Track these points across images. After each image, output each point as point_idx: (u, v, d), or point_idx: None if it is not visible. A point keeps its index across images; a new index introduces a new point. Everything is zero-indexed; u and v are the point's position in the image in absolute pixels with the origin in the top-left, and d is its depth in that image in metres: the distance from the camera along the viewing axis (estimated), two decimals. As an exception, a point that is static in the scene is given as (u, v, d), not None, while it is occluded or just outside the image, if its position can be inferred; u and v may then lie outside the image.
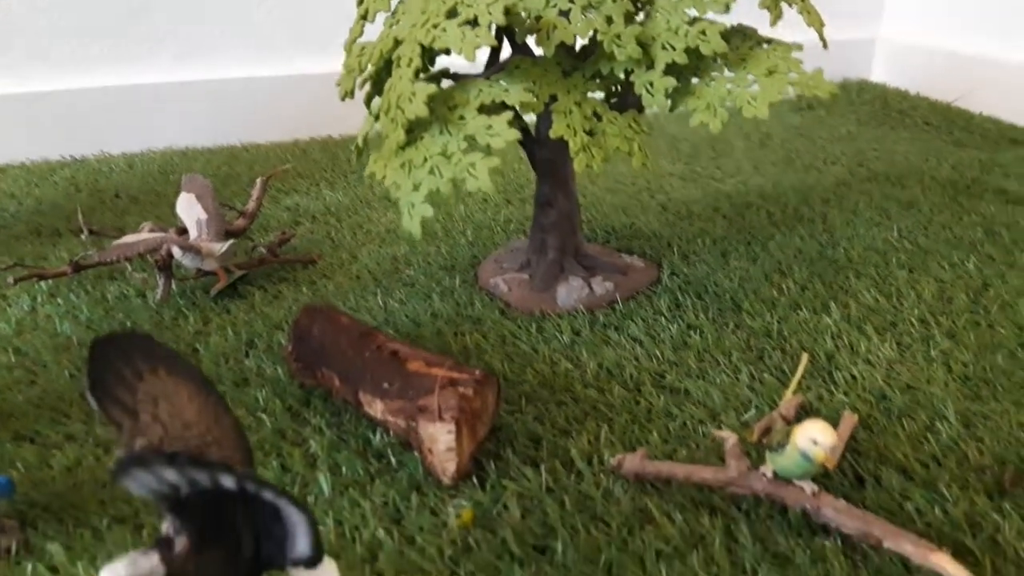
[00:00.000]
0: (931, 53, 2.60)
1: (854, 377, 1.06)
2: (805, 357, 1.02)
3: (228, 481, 0.49)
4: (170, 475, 0.48)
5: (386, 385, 0.92)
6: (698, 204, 1.70)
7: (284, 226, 1.63)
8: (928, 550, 0.73)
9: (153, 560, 0.55)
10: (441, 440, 0.85)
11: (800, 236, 1.52)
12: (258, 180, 1.57)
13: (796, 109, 2.60)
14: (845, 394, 1.03)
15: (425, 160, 0.98)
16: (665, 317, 1.23)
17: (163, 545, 0.55)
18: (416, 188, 0.97)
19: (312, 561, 0.58)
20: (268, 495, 0.51)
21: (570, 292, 1.29)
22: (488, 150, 0.97)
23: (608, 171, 1.95)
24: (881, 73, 2.77)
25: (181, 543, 0.56)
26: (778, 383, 1.05)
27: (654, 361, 1.12)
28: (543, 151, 1.26)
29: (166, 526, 0.56)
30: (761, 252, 1.45)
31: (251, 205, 1.55)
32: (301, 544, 0.57)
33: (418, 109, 0.95)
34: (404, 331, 1.20)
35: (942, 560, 0.72)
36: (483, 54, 1.15)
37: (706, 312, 1.24)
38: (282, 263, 1.44)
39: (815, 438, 0.75)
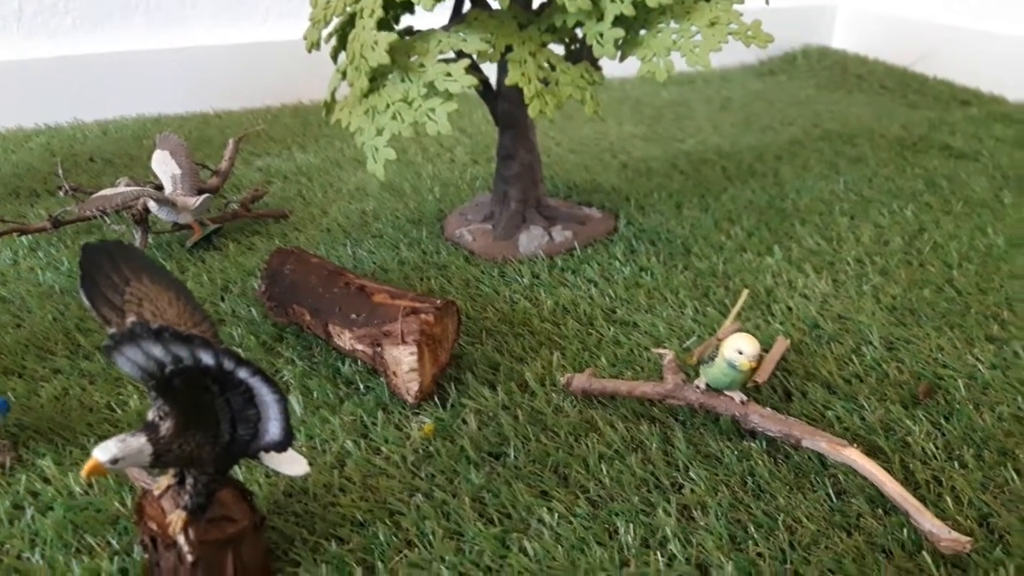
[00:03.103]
0: (889, 19, 2.68)
1: (790, 309, 1.14)
2: (745, 292, 1.09)
3: (207, 356, 0.56)
4: (156, 350, 0.54)
5: (354, 316, 0.99)
6: (657, 162, 1.78)
7: (256, 185, 1.68)
8: (840, 446, 0.81)
9: (141, 440, 0.62)
10: (404, 362, 0.92)
11: (752, 189, 1.60)
12: (230, 140, 1.62)
13: (758, 75, 2.68)
14: (781, 324, 1.11)
15: (387, 106, 1.04)
16: (619, 261, 1.30)
17: (150, 428, 0.62)
18: (379, 133, 1.04)
19: (283, 444, 0.65)
20: (244, 373, 0.58)
21: (531, 240, 1.36)
22: (447, 95, 1.03)
23: (572, 133, 2.02)
24: (841, 39, 2.84)
25: (166, 426, 0.63)
26: (720, 316, 1.13)
27: (607, 299, 1.19)
28: (503, 104, 1.32)
29: (152, 412, 0.63)
30: (713, 203, 1.52)
31: (224, 164, 1.60)
32: (273, 428, 0.64)
33: (380, 57, 1.01)
34: (375, 277, 1.27)
35: (853, 454, 0.81)
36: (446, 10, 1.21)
37: (658, 256, 1.32)
38: (254, 218, 1.50)
39: (740, 348, 0.83)
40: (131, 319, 0.62)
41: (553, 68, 1.14)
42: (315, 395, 0.98)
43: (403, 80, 1.05)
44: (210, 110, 2.27)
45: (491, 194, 1.46)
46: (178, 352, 0.55)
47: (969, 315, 1.12)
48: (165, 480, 0.71)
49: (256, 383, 0.59)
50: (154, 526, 0.69)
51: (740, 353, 0.83)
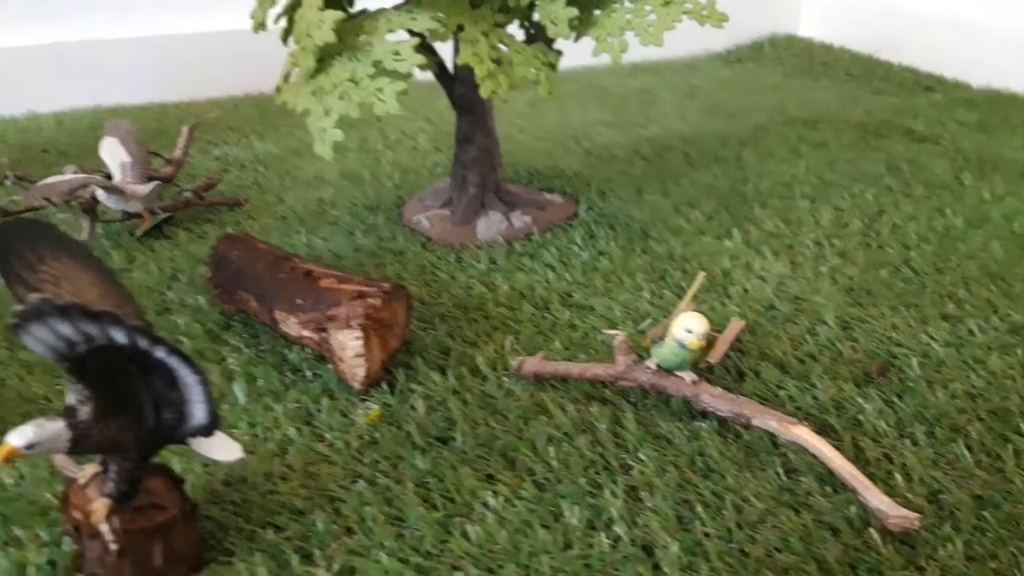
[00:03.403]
0: (855, 7, 2.69)
1: (746, 291, 1.13)
2: (701, 275, 1.08)
3: (120, 335, 0.53)
4: (64, 328, 0.52)
5: (299, 301, 0.96)
6: (620, 148, 1.76)
7: (211, 174, 1.65)
8: (790, 424, 0.80)
9: (59, 425, 0.59)
10: (350, 347, 0.90)
11: (714, 174, 1.59)
12: (184, 128, 1.59)
13: (726, 63, 2.67)
14: (737, 306, 1.10)
15: (335, 86, 1.02)
16: (578, 246, 1.29)
17: (69, 412, 0.60)
18: (327, 113, 1.01)
19: (209, 428, 0.63)
20: (161, 352, 0.56)
21: (489, 225, 1.34)
22: (396, 75, 1.01)
23: (536, 121, 2.00)
24: (808, 27, 2.85)
25: (86, 411, 0.60)
26: (676, 298, 1.12)
27: (564, 283, 1.18)
28: (460, 87, 1.30)
29: (71, 396, 0.60)
30: (674, 188, 1.51)
31: (178, 153, 1.57)
32: (198, 411, 0.62)
33: (326, 35, 0.99)
34: (328, 264, 1.24)
35: (802, 432, 0.80)
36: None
37: (616, 240, 1.30)
38: (207, 206, 1.46)
39: (689, 327, 0.82)
40: (37, 296, 0.60)
41: (507, 48, 1.12)
42: (260, 383, 0.95)
43: (351, 59, 1.02)
44: (169, 100, 2.23)
45: (450, 180, 1.44)
46: (88, 330, 0.53)
47: (925, 294, 1.11)
48: (91, 468, 0.69)
49: (175, 363, 0.57)
50: (78, 515, 0.67)
51: (689, 332, 0.82)
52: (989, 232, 1.29)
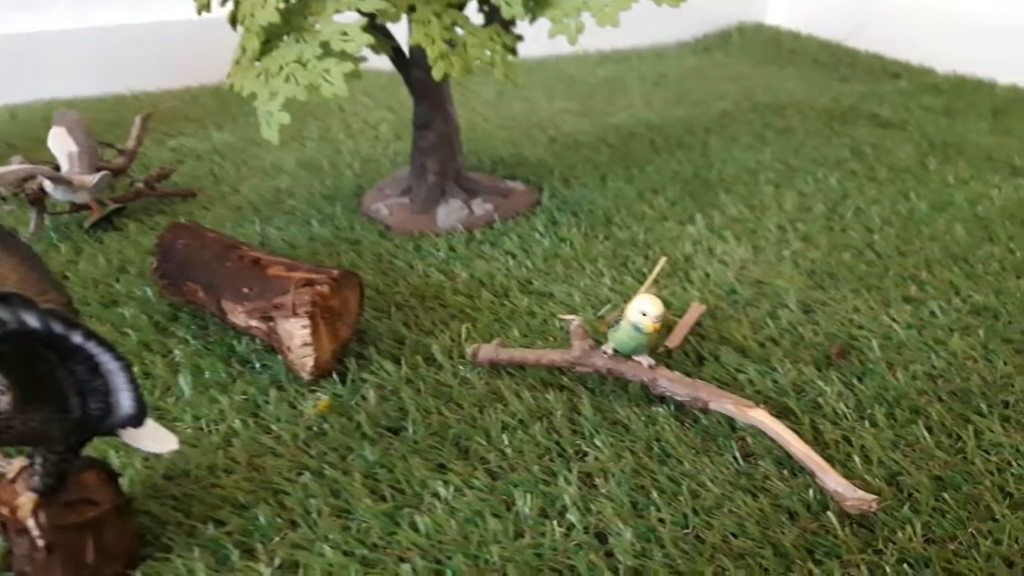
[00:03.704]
0: (821, -4, 2.69)
1: (707, 275, 1.12)
2: (663, 259, 1.06)
3: (32, 319, 0.50)
4: (-31, 313, 0.49)
5: (246, 290, 0.93)
6: (586, 136, 1.74)
7: (164, 164, 1.61)
8: (748, 407, 0.79)
9: (-25, 417, 0.56)
10: (297, 336, 0.87)
11: (678, 160, 1.57)
12: (137, 118, 1.55)
13: (693, 52, 2.66)
14: (698, 290, 1.08)
15: (281, 68, 0.98)
16: (539, 233, 1.27)
17: (-13, 402, 0.57)
18: (273, 96, 0.98)
19: (137, 418, 0.60)
20: (78, 337, 0.53)
21: (450, 213, 1.32)
22: (343, 56, 0.98)
23: (502, 110, 1.98)
24: (776, 16, 2.84)
25: (5, 401, 0.57)
26: (637, 284, 1.10)
27: (524, 270, 1.15)
28: (417, 71, 1.27)
29: (-11, 387, 0.57)
30: (639, 174, 1.49)
31: (131, 143, 1.53)
32: (125, 400, 0.59)
33: (270, 15, 0.96)
34: (281, 253, 1.21)
35: (759, 415, 0.78)
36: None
37: (579, 227, 1.28)
38: (160, 196, 1.43)
39: (644, 310, 0.80)
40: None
41: (461, 30, 1.09)
42: (206, 375, 0.92)
43: (297, 41, 0.99)
44: (127, 91, 2.18)
45: (409, 168, 1.41)
46: (-2, 314, 0.50)
47: (887, 277, 1.10)
48: (19, 462, 0.65)
49: (94, 348, 0.54)
50: (5, 511, 0.63)
51: (644, 315, 0.80)
52: (952, 215, 1.29)
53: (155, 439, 0.66)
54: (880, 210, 1.31)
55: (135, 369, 0.91)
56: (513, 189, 1.42)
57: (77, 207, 1.35)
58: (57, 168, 1.39)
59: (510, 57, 1.14)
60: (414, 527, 0.70)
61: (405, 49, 1.27)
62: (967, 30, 2.23)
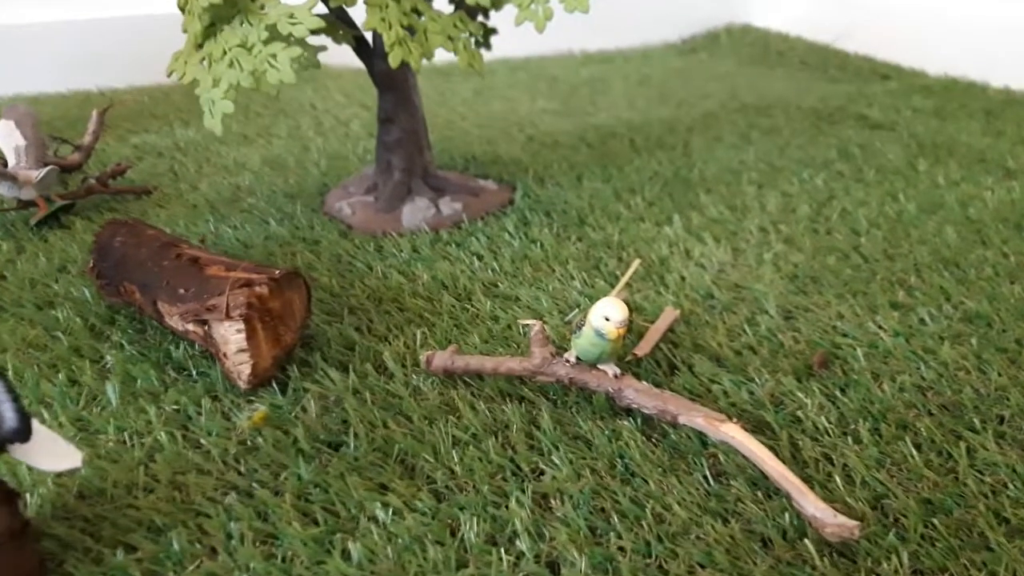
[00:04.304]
0: (810, -3, 2.63)
1: (683, 278, 1.05)
2: (636, 262, 1.00)
3: None
4: None
5: (182, 291, 0.86)
6: (565, 135, 1.68)
7: (119, 160, 1.54)
8: (719, 421, 0.72)
9: None
10: (232, 341, 0.80)
11: (659, 160, 1.50)
12: (94, 112, 1.48)
13: (680, 53, 2.60)
14: (673, 294, 1.01)
15: (224, 53, 0.92)
16: (509, 233, 1.20)
17: None
18: (216, 83, 0.91)
19: (22, 432, 0.53)
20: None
21: (415, 212, 1.25)
22: (291, 40, 0.91)
23: (480, 109, 1.91)
24: (764, 17, 2.79)
25: None
26: (609, 287, 1.03)
27: (490, 272, 1.09)
28: (381, 63, 1.21)
29: None
30: (616, 174, 1.43)
31: (87, 139, 1.46)
32: (6, 412, 0.52)
33: (211, -4, 0.89)
34: (232, 253, 1.14)
35: (731, 430, 0.71)
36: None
37: (551, 228, 1.21)
38: (113, 194, 1.35)
39: (606, 314, 0.73)
40: None
41: (421, 16, 1.03)
42: (138, 383, 0.85)
43: (242, 24, 0.93)
44: (94, 88, 2.10)
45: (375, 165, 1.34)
46: None
47: (874, 282, 1.04)
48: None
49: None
50: None
51: (607, 320, 0.73)
52: (943, 217, 1.23)
53: (53, 455, 0.59)
54: (867, 212, 1.25)
55: (60, 376, 0.85)
56: (484, 188, 1.35)
57: (24, 204, 1.28)
58: (5, 163, 1.32)
59: (477, 48, 1.07)
60: (345, 555, 0.63)
61: (370, 39, 1.21)
62: (959, 33, 2.17)
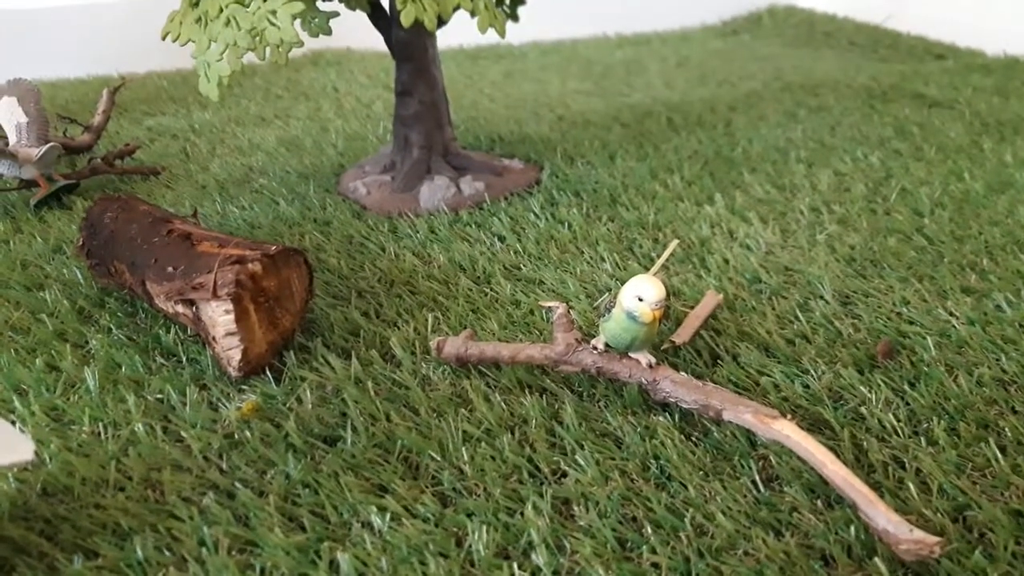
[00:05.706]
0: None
1: (726, 261, 0.95)
2: (674, 242, 0.90)
3: None
4: None
5: (171, 269, 0.78)
6: (597, 114, 1.58)
7: (127, 140, 1.47)
8: (770, 418, 0.62)
9: None
10: (220, 323, 0.72)
11: (699, 139, 1.40)
12: (104, 91, 1.42)
13: (720, 35, 2.49)
14: (715, 278, 0.91)
15: (220, 11, 0.84)
16: (535, 214, 1.11)
17: None
18: (212, 43, 0.83)
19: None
20: None
21: (434, 192, 1.16)
22: (291, -5, 0.83)
23: (510, 90, 1.82)
24: (808, -2, 2.66)
25: None
26: (643, 269, 0.94)
27: (512, 254, 1.00)
28: (399, 32, 1.12)
29: None
30: (653, 153, 1.33)
31: (97, 119, 1.39)
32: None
33: (204, -54, 0.81)
34: (238, 234, 1.07)
35: (785, 428, 0.61)
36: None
37: (580, 208, 1.12)
38: (119, 174, 1.29)
39: (640, 294, 0.64)
40: None
41: (438, -28, 0.94)
42: (122, 369, 0.77)
43: (240, -22, 0.84)
44: (114, 73, 2.05)
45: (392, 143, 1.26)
46: None
47: (942, 265, 0.93)
48: None
49: None
50: None
51: (640, 300, 0.64)
52: (1013, 197, 1.11)
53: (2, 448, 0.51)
54: (930, 191, 1.13)
55: (38, 361, 0.77)
56: (509, 167, 1.26)
57: (26, 183, 1.22)
58: (6, 141, 1.26)
59: (498, 8, 0.98)
60: (333, 567, 0.55)
61: (386, 5, 1.12)
62: (1018, 13, 2.04)
